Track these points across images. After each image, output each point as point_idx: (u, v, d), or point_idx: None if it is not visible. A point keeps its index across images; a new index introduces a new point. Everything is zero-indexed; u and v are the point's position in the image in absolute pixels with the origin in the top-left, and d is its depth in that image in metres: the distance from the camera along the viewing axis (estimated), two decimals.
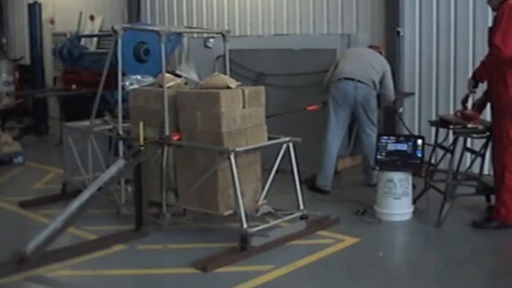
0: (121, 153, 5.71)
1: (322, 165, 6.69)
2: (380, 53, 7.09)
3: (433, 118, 7.30)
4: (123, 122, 5.84)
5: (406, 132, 7.43)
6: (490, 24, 5.51)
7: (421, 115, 7.90)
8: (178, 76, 5.76)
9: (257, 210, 5.38)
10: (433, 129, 6.31)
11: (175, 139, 5.39)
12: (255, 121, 5.37)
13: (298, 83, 7.73)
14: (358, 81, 6.60)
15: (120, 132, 5.82)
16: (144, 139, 5.25)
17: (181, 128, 5.42)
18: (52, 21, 13.15)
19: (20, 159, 8.54)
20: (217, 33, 7.10)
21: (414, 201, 5.88)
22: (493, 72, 5.33)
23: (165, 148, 5.40)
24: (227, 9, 10.11)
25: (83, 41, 10.86)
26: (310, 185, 6.74)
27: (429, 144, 6.26)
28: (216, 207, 5.20)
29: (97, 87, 6.04)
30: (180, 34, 7.62)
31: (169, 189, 5.48)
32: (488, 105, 5.68)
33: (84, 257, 4.91)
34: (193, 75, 5.65)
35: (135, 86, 5.80)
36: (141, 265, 4.84)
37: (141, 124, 5.21)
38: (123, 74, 5.84)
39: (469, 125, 5.55)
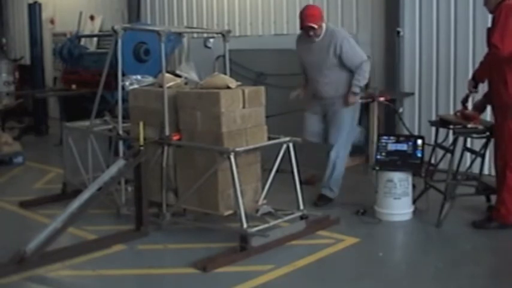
0: (121, 153, 5.71)
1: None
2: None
3: (433, 118, 7.30)
4: (123, 122, 5.84)
5: (406, 132, 7.43)
6: (489, 24, 5.51)
7: (421, 115, 7.90)
8: (178, 76, 5.76)
9: (257, 210, 5.38)
10: (433, 129, 6.31)
11: (175, 139, 5.39)
12: (255, 121, 5.37)
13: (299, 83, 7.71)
14: None
15: (120, 132, 5.82)
16: (144, 139, 5.25)
17: (181, 128, 5.41)
18: (52, 21, 13.15)
19: (20, 159, 8.54)
20: (217, 33, 7.11)
21: (414, 201, 5.88)
22: (492, 72, 5.34)
23: (165, 148, 5.40)
24: (227, 9, 10.11)
25: (83, 41, 10.86)
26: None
27: (429, 144, 6.26)
28: (216, 207, 5.20)
29: (97, 87, 6.04)
30: (180, 34, 7.64)
31: (169, 189, 5.48)
32: (489, 106, 5.69)
33: (84, 257, 4.91)
34: (193, 75, 5.65)
35: (135, 86, 5.80)
36: (141, 265, 4.84)
37: (141, 124, 5.22)
38: (123, 74, 5.84)
39: (469, 125, 5.55)
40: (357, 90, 6.15)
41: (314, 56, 6.27)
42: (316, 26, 6.08)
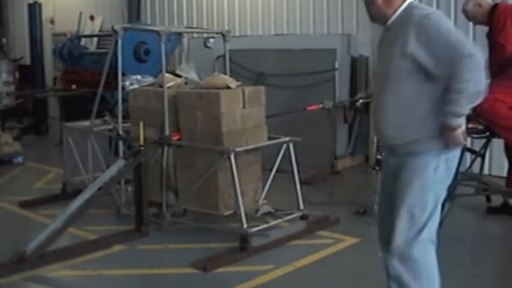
0: (121, 153, 5.71)
1: None
2: None
3: None
4: (123, 122, 5.84)
5: None
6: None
7: None
8: (178, 76, 5.76)
9: (257, 210, 5.39)
10: None
11: (175, 139, 5.39)
12: (255, 121, 5.37)
13: (299, 83, 7.73)
14: None
15: (120, 132, 5.81)
16: (144, 139, 5.25)
17: (181, 128, 5.42)
18: (52, 21, 13.16)
19: (20, 159, 8.54)
20: (217, 33, 7.11)
21: None
22: (501, 72, 5.38)
23: (165, 148, 5.40)
24: (227, 9, 10.11)
25: (83, 41, 10.88)
26: None
27: None
28: (216, 207, 5.20)
29: (97, 87, 6.04)
30: (180, 34, 7.64)
31: (169, 189, 5.48)
32: None
33: (84, 257, 4.91)
34: (193, 75, 5.65)
35: (135, 86, 5.80)
36: (141, 265, 4.84)
37: (141, 124, 5.21)
38: (123, 74, 5.84)
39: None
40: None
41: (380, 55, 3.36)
42: None
